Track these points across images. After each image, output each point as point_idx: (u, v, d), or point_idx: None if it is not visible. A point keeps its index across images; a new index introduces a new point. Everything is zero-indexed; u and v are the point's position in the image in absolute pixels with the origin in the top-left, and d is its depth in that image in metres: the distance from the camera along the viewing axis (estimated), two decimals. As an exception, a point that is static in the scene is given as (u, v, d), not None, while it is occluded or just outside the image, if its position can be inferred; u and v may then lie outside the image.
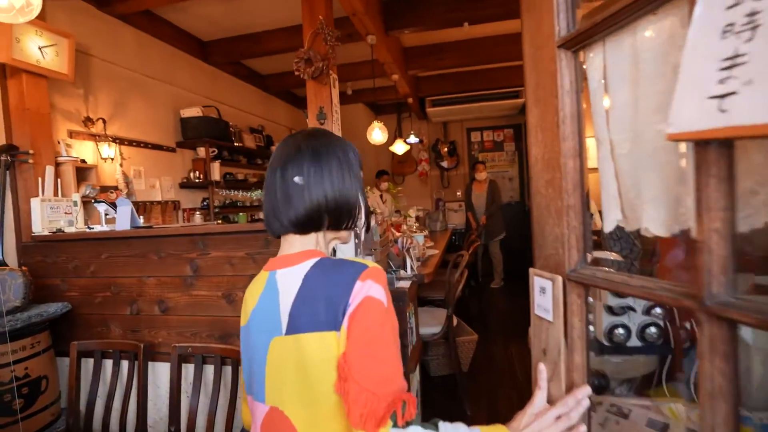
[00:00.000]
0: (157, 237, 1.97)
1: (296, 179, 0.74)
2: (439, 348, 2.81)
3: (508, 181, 6.50)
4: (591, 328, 1.01)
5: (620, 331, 0.97)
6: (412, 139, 5.33)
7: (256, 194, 4.41)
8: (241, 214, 3.93)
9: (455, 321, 2.75)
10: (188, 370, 1.90)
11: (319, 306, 0.69)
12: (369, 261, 0.74)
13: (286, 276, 0.75)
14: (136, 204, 2.91)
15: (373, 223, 2.29)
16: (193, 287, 1.92)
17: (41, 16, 2.34)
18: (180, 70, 3.54)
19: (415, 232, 3.72)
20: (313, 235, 0.78)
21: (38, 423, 1.95)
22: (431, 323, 2.58)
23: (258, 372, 0.76)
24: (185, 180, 3.47)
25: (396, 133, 6.56)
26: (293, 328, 0.71)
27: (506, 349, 3.33)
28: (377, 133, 3.14)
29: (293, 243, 0.78)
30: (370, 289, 0.67)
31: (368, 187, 5.46)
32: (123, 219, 2.09)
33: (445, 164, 6.70)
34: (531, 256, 0.78)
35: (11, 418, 1.84)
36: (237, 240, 1.84)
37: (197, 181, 3.49)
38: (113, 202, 2.16)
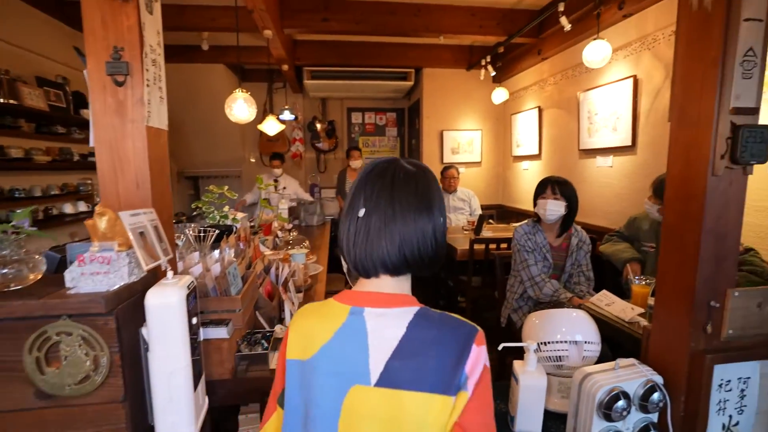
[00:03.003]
0: None
1: (443, 220, 0.71)
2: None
3: (388, 169, 5.99)
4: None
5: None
6: (287, 115, 4.33)
7: (55, 184, 2.93)
8: (19, 210, 2.47)
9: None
10: None
11: (429, 364, 0.62)
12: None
13: (379, 317, 0.66)
14: None
15: (228, 251, 1.39)
16: None
17: None
18: None
19: (290, 238, 2.85)
20: (407, 279, 0.71)
21: None
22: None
23: (322, 419, 0.64)
24: None
25: (266, 107, 5.41)
26: (390, 381, 0.62)
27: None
28: (240, 108, 2.14)
29: (381, 284, 0.69)
30: (486, 358, 0.65)
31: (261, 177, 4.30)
32: None
33: (322, 146, 5.84)
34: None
35: None
36: None
37: None
38: None
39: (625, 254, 2.17)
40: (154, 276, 0.93)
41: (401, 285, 0.70)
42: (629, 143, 2.77)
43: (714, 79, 0.96)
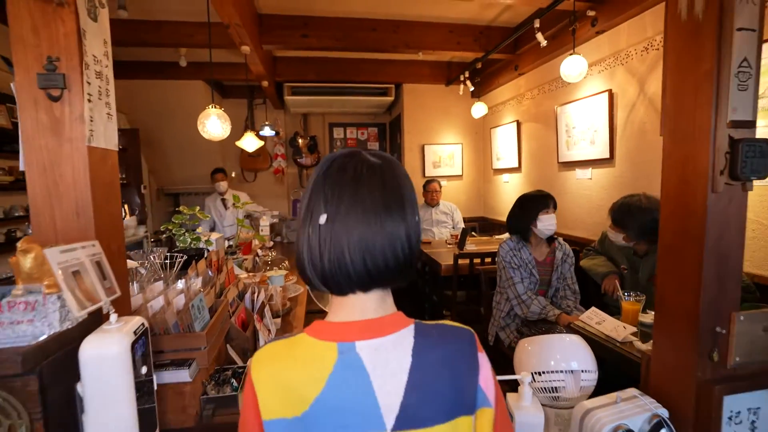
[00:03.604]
0: None
1: (417, 218, 0.59)
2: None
3: (371, 183, 5.89)
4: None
5: None
6: (267, 131, 4.19)
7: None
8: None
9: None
10: None
11: (444, 390, 0.54)
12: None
13: (377, 351, 0.54)
14: None
15: (194, 280, 1.25)
16: None
17: None
18: None
19: (270, 258, 2.69)
20: (387, 291, 0.59)
21: None
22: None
23: None
24: None
25: (247, 123, 5.26)
26: (408, 422, 0.52)
27: None
28: (214, 124, 1.99)
29: (365, 303, 0.57)
30: (488, 361, 0.60)
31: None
32: None
33: (304, 161, 5.70)
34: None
35: None
36: None
37: None
38: None
39: (601, 268, 2.09)
40: (97, 320, 0.78)
41: (384, 301, 0.58)
42: (607, 156, 2.74)
43: (709, 92, 0.88)
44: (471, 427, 0.55)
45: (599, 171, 2.88)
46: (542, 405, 1.09)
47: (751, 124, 0.90)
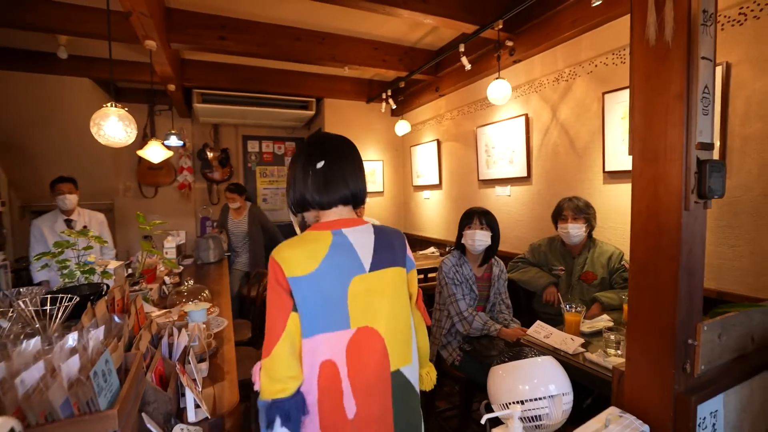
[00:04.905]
0: None
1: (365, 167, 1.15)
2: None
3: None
4: None
5: None
6: (174, 141, 3.64)
7: None
8: None
9: None
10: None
11: (392, 252, 1.01)
12: None
13: (354, 232, 0.97)
14: None
15: (92, 333, 0.92)
16: None
17: None
18: None
19: (185, 288, 2.26)
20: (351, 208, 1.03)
21: None
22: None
23: (337, 306, 0.92)
24: None
25: (146, 131, 4.56)
26: (376, 266, 0.97)
27: None
28: (114, 127, 1.55)
29: (341, 212, 1.00)
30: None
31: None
32: None
33: (214, 175, 5.13)
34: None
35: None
36: None
37: None
38: None
39: (541, 280, 2.18)
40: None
41: (350, 212, 1.02)
42: (525, 174, 2.91)
43: (680, 114, 0.90)
44: (404, 274, 1.03)
45: (518, 188, 3.05)
46: (524, 435, 0.99)
47: (711, 147, 0.94)
